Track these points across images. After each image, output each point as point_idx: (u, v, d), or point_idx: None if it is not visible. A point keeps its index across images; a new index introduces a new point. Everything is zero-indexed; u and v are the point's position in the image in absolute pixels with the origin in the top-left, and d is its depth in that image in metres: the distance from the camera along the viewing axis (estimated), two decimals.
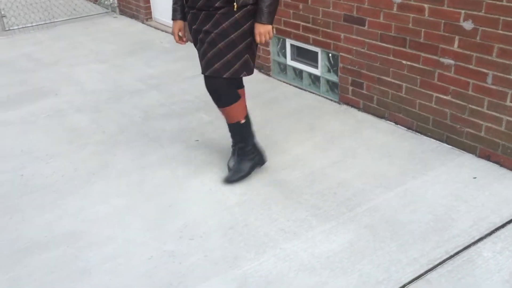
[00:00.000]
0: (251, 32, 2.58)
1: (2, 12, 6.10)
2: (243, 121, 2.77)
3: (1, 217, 2.68)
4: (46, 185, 2.94)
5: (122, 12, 6.69)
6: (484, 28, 2.72)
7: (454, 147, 3.06)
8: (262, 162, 2.91)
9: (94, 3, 7.28)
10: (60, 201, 2.79)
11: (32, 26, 6.23)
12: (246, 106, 2.82)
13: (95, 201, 2.77)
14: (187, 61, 4.77)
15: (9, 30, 6.10)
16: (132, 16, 6.49)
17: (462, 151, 3.02)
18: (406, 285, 2.09)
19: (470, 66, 2.85)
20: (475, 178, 2.76)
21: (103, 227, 2.56)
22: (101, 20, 6.56)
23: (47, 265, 2.32)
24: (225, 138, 3.25)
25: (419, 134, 3.25)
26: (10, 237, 2.52)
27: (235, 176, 2.84)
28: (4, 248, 2.44)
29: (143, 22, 6.26)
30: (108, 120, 3.72)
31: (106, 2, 6.90)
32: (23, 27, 6.18)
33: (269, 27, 2.59)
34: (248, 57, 2.63)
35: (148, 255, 2.34)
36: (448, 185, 2.72)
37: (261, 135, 3.34)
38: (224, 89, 2.66)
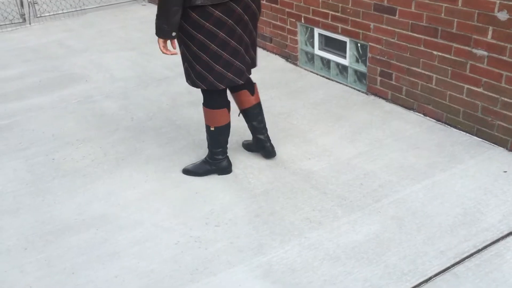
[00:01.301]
0: (194, 42, 2.41)
1: None
2: (212, 128, 2.72)
3: (34, 199, 2.76)
4: (77, 169, 3.01)
5: (151, 0, 6.74)
6: None
7: (484, 140, 3.01)
8: (222, 173, 2.86)
9: None
10: (90, 185, 2.85)
11: (63, 13, 6.34)
12: (223, 119, 2.69)
13: (124, 186, 2.82)
14: None
15: (40, 17, 6.21)
16: None
17: (492, 144, 2.97)
18: (432, 277, 2.08)
19: (504, 58, 2.78)
20: (505, 172, 2.71)
21: (132, 211, 2.61)
22: (130, 7, 6.62)
23: (78, 246, 2.38)
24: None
25: (449, 126, 3.20)
26: (42, 219, 2.59)
27: (189, 172, 2.87)
28: (36, 229, 2.52)
29: None
30: (137, 107, 3.77)
31: None
32: (54, 14, 6.29)
33: (160, 40, 2.40)
34: (194, 69, 2.49)
35: (175, 240, 2.39)
36: (477, 178, 2.68)
37: (288, 125, 3.35)
38: (203, 91, 2.65)
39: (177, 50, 2.51)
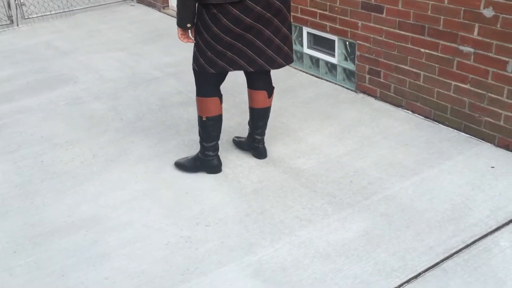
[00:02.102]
0: (198, 29, 2.57)
1: (22, 1, 6.16)
2: (204, 118, 2.76)
3: (23, 202, 2.74)
4: (66, 171, 3.00)
5: (140, 1, 6.71)
6: (504, 16, 2.68)
7: (472, 136, 3.04)
8: (211, 171, 2.88)
9: None
10: (79, 186, 2.84)
11: (51, 14, 6.29)
12: (215, 108, 2.74)
13: (114, 187, 2.81)
14: None
15: (28, 18, 6.17)
16: (149, 5, 6.51)
17: (480, 140, 2.99)
18: (422, 273, 2.10)
19: (490, 54, 2.81)
20: (493, 167, 2.74)
21: (122, 212, 2.60)
22: (119, 8, 6.60)
23: (67, 249, 2.37)
24: (241, 125, 3.27)
25: (437, 123, 3.22)
26: (31, 221, 2.58)
27: (180, 166, 2.93)
28: (25, 232, 2.50)
29: (160, 10, 6.28)
30: (126, 108, 3.76)
31: None
32: (42, 15, 6.25)
33: (179, 29, 2.60)
34: (195, 51, 2.63)
35: (166, 240, 2.38)
36: (465, 174, 2.70)
37: (278, 123, 3.35)
38: (195, 78, 2.74)
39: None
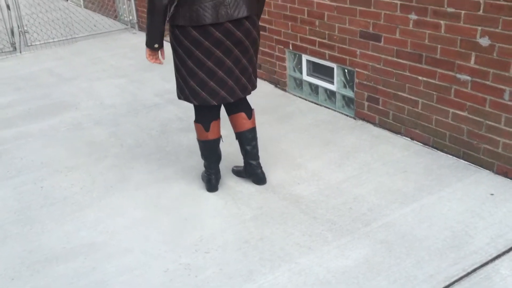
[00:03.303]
0: (177, 54, 2.61)
1: (25, 28, 6.26)
2: (200, 140, 2.86)
3: (22, 228, 2.73)
4: (65, 197, 3.00)
5: (141, 28, 6.82)
6: (500, 45, 2.72)
7: (471, 164, 3.05)
8: (207, 187, 2.94)
9: (114, 19, 7.43)
10: (79, 213, 2.83)
11: (53, 41, 6.38)
12: (201, 134, 2.81)
13: (113, 213, 2.81)
14: None
15: (31, 45, 6.25)
16: None
17: (479, 167, 3.00)
18: None
19: (487, 82, 2.84)
20: (492, 194, 2.74)
21: (121, 239, 2.59)
22: (121, 36, 6.70)
23: (65, 276, 2.35)
24: (239, 151, 3.28)
25: (436, 150, 3.24)
26: (29, 248, 2.56)
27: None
28: (23, 259, 2.49)
29: None
30: (126, 134, 3.78)
31: (125, 18, 7.04)
32: (44, 43, 6.34)
33: (147, 49, 2.63)
34: (177, 79, 2.69)
35: (164, 267, 2.37)
36: (464, 201, 2.70)
37: (277, 149, 3.37)
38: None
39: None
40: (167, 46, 2.84)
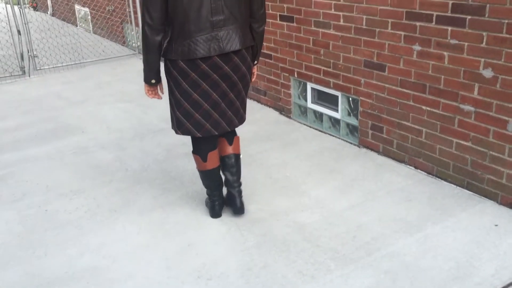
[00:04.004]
0: (168, 84, 2.67)
1: (34, 53, 6.38)
2: (199, 169, 2.89)
3: (25, 251, 2.73)
4: (69, 221, 3.01)
5: None
6: (504, 76, 2.76)
7: (475, 194, 3.04)
8: (210, 213, 2.95)
9: (122, 45, 7.56)
10: (82, 237, 2.84)
11: (62, 66, 6.49)
12: (199, 164, 2.84)
13: (117, 238, 2.81)
14: None
15: (40, 69, 6.35)
16: None
17: (483, 197, 3.00)
18: None
19: (490, 113, 2.87)
20: (496, 225, 2.73)
21: (124, 264, 2.59)
22: (128, 61, 6.80)
23: None
24: (244, 178, 3.29)
25: (439, 179, 3.24)
26: (32, 272, 2.56)
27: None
28: (25, 283, 2.48)
29: None
30: (132, 158, 3.81)
31: (133, 44, 7.16)
32: (53, 67, 6.44)
33: (145, 85, 2.70)
34: (171, 113, 2.73)
35: None
36: (469, 232, 2.69)
37: (281, 176, 3.38)
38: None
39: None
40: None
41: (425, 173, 3.33)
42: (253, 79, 2.90)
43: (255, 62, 2.83)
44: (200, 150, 2.81)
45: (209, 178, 2.87)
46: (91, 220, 3.00)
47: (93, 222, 2.98)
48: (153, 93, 2.74)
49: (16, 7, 6.23)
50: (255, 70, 2.90)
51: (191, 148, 2.92)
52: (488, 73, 2.83)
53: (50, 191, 3.37)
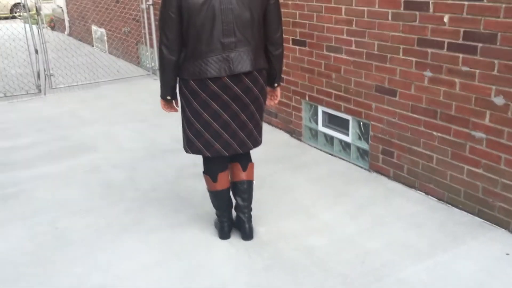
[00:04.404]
0: (180, 103, 2.73)
1: (51, 72, 6.50)
2: (209, 190, 2.91)
3: (34, 269, 2.75)
4: (79, 239, 3.02)
5: None
6: None
7: (486, 221, 3.01)
8: (219, 235, 2.95)
9: (136, 65, 7.68)
10: (91, 255, 2.85)
11: (77, 85, 6.60)
12: (210, 185, 2.87)
13: (126, 257, 2.82)
14: None
15: (55, 88, 6.47)
16: None
17: (494, 225, 2.97)
18: None
19: (502, 141, 2.86)
20: (508, 254, 2.70)
21: (132, 283, 2.59)
22: (142, 81, 6.89)
23: None
24: (253, 200, 3.30)
25: (450, 205, 3.22)
26: None
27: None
28: None
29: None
30: (143, 178, 3.84)
31: (147, 65, 7.27)
32: (68, 86, 6.55)
33: (161, 100, 2.77)
34: (183, 132, 2.78)
35: None
36: (479, 260, 2.66)
37: (291, 199, 3.38)
38: None
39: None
40: None
41: (436, 199, 3.30)
42: (276, 102, 2.96)
43: (275, 85, 2.86)
44: (210, 170, 2.83)
45: (219, 199, 2.88)
46: (100, 239, 3.01)
47: (103, 241, 2.99)
48: (169, 107, 2.81)
49: (34, 27, 6.37)
50: (278, 92, 2.94)
51: (201, 169, 2.94)
52: (499, 101, 2.83)
53: (61, 209, 3.40)
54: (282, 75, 4.50)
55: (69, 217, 3.29)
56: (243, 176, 2.86)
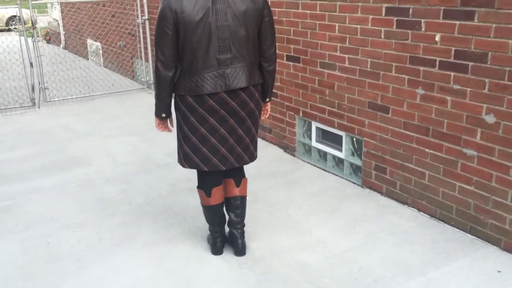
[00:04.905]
0: (176, 118, 2.75)
1: (45, 85, 6.50)
2: (202, 204, 2.91)
3: (25, 283, 2.73)
4: (71, 253, 3.01)
5: None
6: (506, 123, 2.79)
7: (478, 238, 3.03)
8: (211, 250, 2.95)
9: (131, 79, 7.70)
10: (83, 270, 2.84)
11: (71, 98, 6.60)
12: (204, 200, 2.86)
13: (117, 272, 2.80)
14: None
15: (50, 101, 6.46)
16: None
17: (486, 242, 2.99)
18: None
19: (493, 158, 2.89)
20: (499, 272, 2.71)
21: None
22: (137, 95, 6.91)
23: None
24: (246, 215, 3.30)
25: (442, 222, 3.24)
26: None
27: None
28: None
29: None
30: (136, 192, 3.83)
31: (142, 78, 7.29)
32: (63, 99, 6.55)
33: (156, 118, 2.78)
34: (178, 147, 2.79)
35: None
36: (471, 277, 2.67)
37: (283, 215, 3.38)
38: None
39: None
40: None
41: (428, 216, 3.32)
42: (266, 116, 2.98)
43: (267, 99, 2.89)
44: (204, 185, 2.84)
45: (212, 214, 2.89)
46: (92, 254, 3.00)
47: (95, 256, 2.98)
48: (163, 126, 2.82)
49: (30, 40, 6.39)
50: (268, 107, 2.97)
51: (195, 184, 2.95)
52: (490, 119, 2.87)
53: (54, 223, 3.38)
54: (276, 91, 4.54)
55: (61, 231, 3.27)
56: (236, 191, 2.87)
